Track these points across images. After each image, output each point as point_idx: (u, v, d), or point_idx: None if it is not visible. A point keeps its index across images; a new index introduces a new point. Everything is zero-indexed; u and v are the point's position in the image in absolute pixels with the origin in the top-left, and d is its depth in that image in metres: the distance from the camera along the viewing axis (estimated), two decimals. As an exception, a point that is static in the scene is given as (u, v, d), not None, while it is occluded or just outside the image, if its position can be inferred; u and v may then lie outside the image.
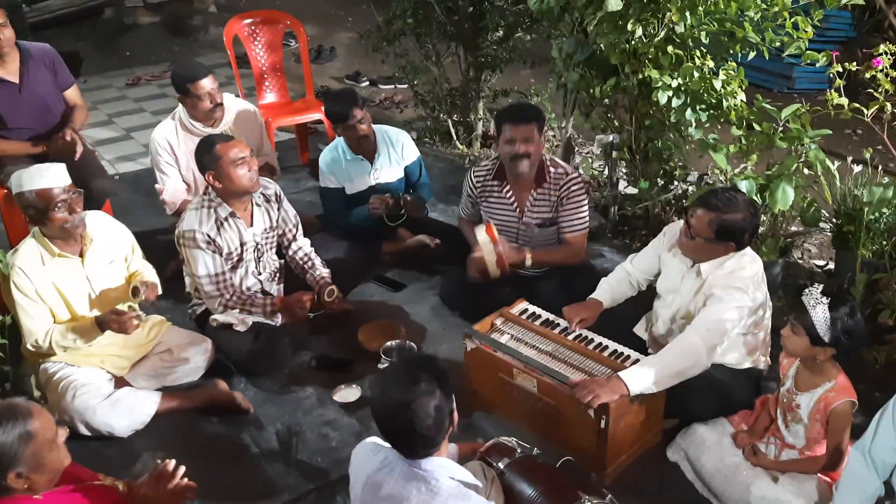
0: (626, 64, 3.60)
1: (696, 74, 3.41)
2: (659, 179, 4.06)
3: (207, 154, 3.10)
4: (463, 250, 3.85)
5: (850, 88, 3.20)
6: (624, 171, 4.33)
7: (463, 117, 5.47)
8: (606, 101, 3.93)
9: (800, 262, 3.92)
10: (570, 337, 2.84)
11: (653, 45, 3.50)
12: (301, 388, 3.17)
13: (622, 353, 2.74)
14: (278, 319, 3.31)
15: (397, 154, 3.91)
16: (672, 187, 4.09)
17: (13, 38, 3.73)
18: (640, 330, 3.06)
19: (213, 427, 2.98)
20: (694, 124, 3.59)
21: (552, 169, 3.36)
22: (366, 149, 3.81)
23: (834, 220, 3.51)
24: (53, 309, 2.85)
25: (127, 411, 2.87)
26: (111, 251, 3.01)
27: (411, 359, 2.54)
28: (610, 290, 3.01)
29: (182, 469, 2.11)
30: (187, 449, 2.82)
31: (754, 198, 3.14)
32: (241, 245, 3.23)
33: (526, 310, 3.03)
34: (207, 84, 3.66)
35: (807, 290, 2.35)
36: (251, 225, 3.26)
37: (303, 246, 3.49)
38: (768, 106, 3.38)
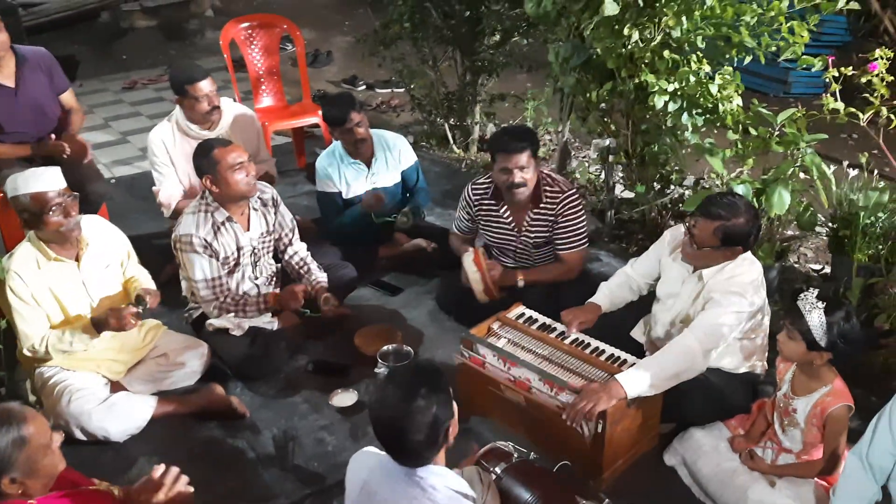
0: (623, 68, 3.60)
1: (693, 79, 3.42)
2: (655, 184, 4.07)
3: (205, 158, 3.10)
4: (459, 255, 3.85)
5: (845, 93, 3.20)
6: (620, 175, 4.33)
7: (460, 121, 5.47)
8: (603, 105, 3.94)
9: (796, 266, 3.93)
10: (567, 341, 2.84)
11: (649, 49, 3.50)
12: (297, 392, 3.16)
13: (619, 358, 2.74)
14: (275, 324, 3.30)
15: (394, 158, 3.91)
16: (668, 191, 4.10)
17: (8, 42, 3.72)
18: (637, 334, 3.06)
19: (209, 432, 2.97)
20: (690, 128, 3.59)
21: (549, 187, 3.35)
22: (363, 153, 3.81)
23: (830, 224, 3.52)
24: (49, 313, 2.84)
25: (122, 416, 2.86)
26: (107, 255, 3.00)
27: (412, 367, 2.51)
28: (609, 294, 3.01)
29: (185, 478, 2.10)
30: (183, 454, 2.80)
31: (755, 204, 3.14)
32: (238, 249, 3.22)
33: (523, 314, 3.02)
34: (206, 86, 3.66)
35: (802, 295, 2.35)
36: (248, 229, 3.25)
37: (299, 250, 3.48)
38: (764, 110, 3.39)
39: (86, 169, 3.88)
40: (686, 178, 4.18)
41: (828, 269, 3.75)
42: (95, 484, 2.18)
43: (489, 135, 5.68)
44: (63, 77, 3.97)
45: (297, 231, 3.49)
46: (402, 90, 6.28)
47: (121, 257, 3.07)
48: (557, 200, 3.33)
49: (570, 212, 3.33)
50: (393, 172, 3.92)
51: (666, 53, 3.47)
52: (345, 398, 3.07)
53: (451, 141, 5.46)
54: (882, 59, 3.10)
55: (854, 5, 3.26)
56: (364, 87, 6.95)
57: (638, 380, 2.49)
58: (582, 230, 3.38)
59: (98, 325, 2.83)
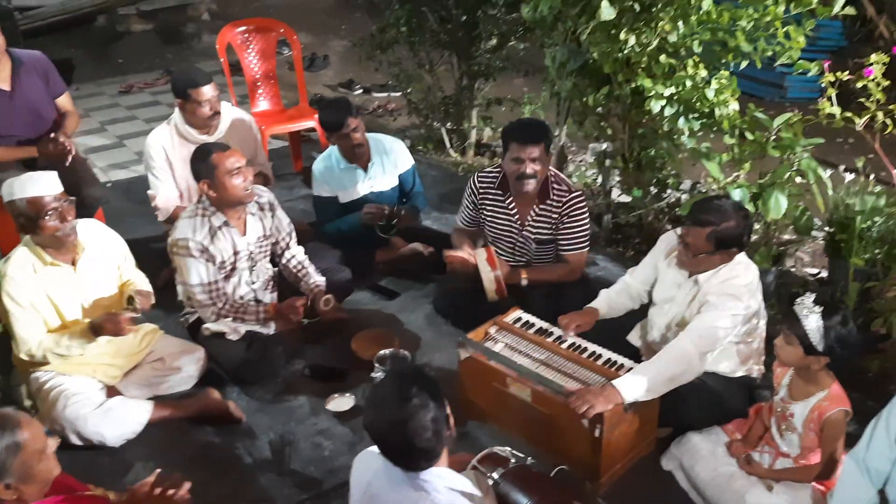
0: (620, 73, 3.61)
1: (689, 83, 3.43)
2: (652, 188, 4.07)
3: (203, 163, 3.09)
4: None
5: (841, 97, 3.21)
6: (617, 179, 4.34)
7: (456, 125, 5.47)
8: (599, 109, 3.94)
9: (793, 270, 3.93)
10: (564, 345, 2.84)
11: (646, 54, 3.51)
12: (294, 397, 3.15)
13: (616, 362, 2.74)
14: (271, 328, 3.29)
15: (391, 162, 3.91)
16: (665, 196, 4.10)
17: (4, 46, 3.71)
18: (633, 338, 3.06)
19: (206, 436, 2.96)
20: (687, 133, 3.60)
21: (556, 186, 3.35)
22: (360, 157, 3.81)
23: (826, 228, 3.52)
24: (45, 318, 2.83)
25: (119, 420, 2.85)
26: (103, 259, 2.99)
27: (398, 373, 2.46)
28: (607, 300, 3.01)
29: (187, 484, 2.09)
30: (179, 459, 2.81)
31: (743, 203, 3.14)
32: (235, 254, 3.21)
33: (520, 318, 3.02)
34: (209, 91, 3.66)
35: (799, 300, 2.35)
36: (245, 233, 3.24)
37: (296, 254, 3.48)
38: (761, 115, 3.40)
39: (82, 173, 3.87)
40: (683, 182, 4.19)
41: (824, 274, 3.76)
42: (91, 489, 2.18)
43: (486, 139, 5.69)
44: (59, 81, 3.96)
45: (294, 235, 3.48)
46: (398, 94, 6.29)
47: (117, 261, 3.07)
48: (564, 199, 3.33)
49: (575, 212, 3.34)
50: (390, 177, 3.92)
51: (662, 58, 3.48)
52: (342, 403, 3.06)
53: (448, 145, 5.46)
54: (878, 63, 3.11)
55: (850, 10, 3.28)
56: (361, 90, 6.95)
57: (634, 384, 2.50)
58: (586, 231, 3.39)
59: (95, 329, 2.82)
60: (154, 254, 3.84)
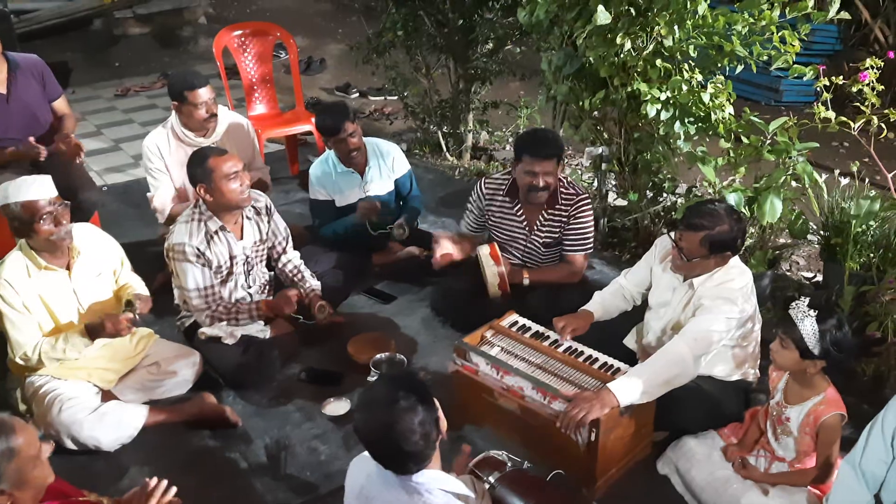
0: (615, 77, 3.62)
1: (685, 87, 3.43)
2: (648, 192, 4.08)
3: (200, 167, 3.09)
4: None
5: (836, 102, 3.22)
6: (613, 183, 4.35)
7: (453, 129, 5.48)
8: (596, 113, 3.95)
9: (788, 274, 3.94)
10: (561, 349, 2.84)
11: (641, 58, 3.52)
12: (290, 401, 3.14)
13: (612, 366, 2.74)
14: (267, 332, 3.29)
15: (388, 167, 3.91)
16: (661, 199, 4.11)
17: (0, 49, 3.71)
18: (629, 341, 3.06)
19: (201, 441, 2.95)
20: (682, 137, 3.60)
21: (564, 190, 3.37)
22: (357, 162, 3.81)
23: (822, 232, 3.53)
24: (40, 322, 2.82)
25: (114, 425, 2.84)
26: (99, 264, 2.99)
27: (387, 377, 2.47)
28: (602, 303, 3.02)
29: (174, 489, 2.08)
30: (175, 463, 2.80)
31: (734, 206, 3.15)
32: (231, 258, 3.21)
33: (516, 322, 3.02)
34: (205, 94, 3.66)
35: (794, 304, 2.35)
36: (241, 238, 3.24)
37: (292, 258, 3.47)
38: (756, 119, 3.40)
39: (78, 176, 3.87)
40: (678, 186, 4.19)
41: (820, 277, 3.77)
42: (85, 495, 2.17)
43: (482, 142, 5.70)
44: (56, 84, 3.95)
45: (290, 239, 3.48)
46: (395, 98, 6.29)
47: (113, 266, 3.06)
48: (572, 203, 3.36)
49: (582, 214, 3.37)
50: (386, 181, 3.92)
51: (658, 62, 3.48)
52: (338, 407, 3.06)
53: (445, 149, 5.46)
54: (872, 68, 3.12)
55: (845, 15, 3.29)
56: (357, 94, 6.96)
57: (630, 388, 2.49)
58: (591, 234, 3.42)
59: (93, 331, 2.81)
60: (150, 257, 3.83)
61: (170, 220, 3.66)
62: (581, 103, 3.83)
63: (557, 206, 3.37)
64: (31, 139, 3.65)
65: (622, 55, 3.50)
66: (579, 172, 4.97)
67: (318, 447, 2.90)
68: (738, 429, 2.69)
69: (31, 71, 3.83)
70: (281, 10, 9.62)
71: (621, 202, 4.30)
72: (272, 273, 3.50)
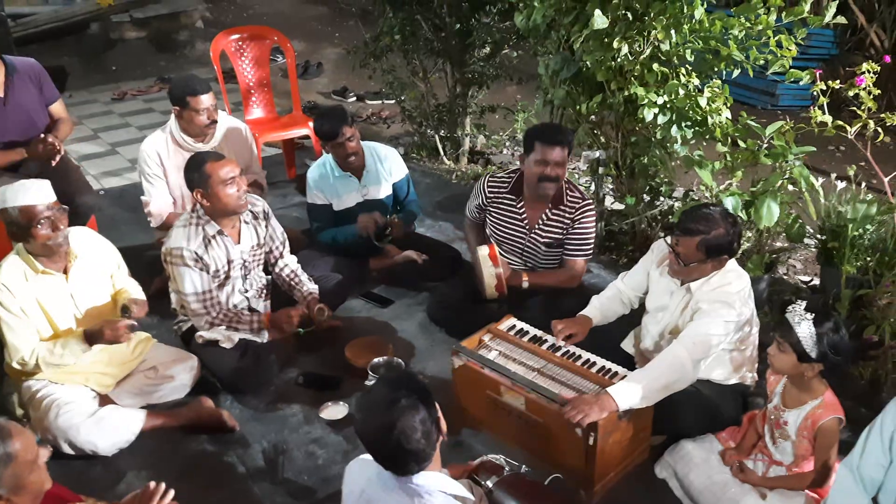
0: (612, 81, 3.62)
1: (682, 92, 3.45)
2: (645, 195, 4.08)
3: (196, 172, 3.08)
4: (451, 266, 3.84)
5: (833, 106, 3.23)
6: (610, 187, 4.35)
7: (450, 133, 5.48)
8: (593, 117, 3.96)
9: (785, 277, 3.94)
10: (559, 353, 2.84)
11: (638, 62, 3.53)
12: (287, 405, 3.14)
13: (610, 370, 2.74)
14: (265, 336, 3.28)
15: (385, 171, 3.91)
16: (658, 203, 4.12)
17: (-3, 53, 3.71)
18: (627, 345, 3.07)
19: (199, 445, 2.94)
20: (679, 141, 3.61)
21: (570, 192, 3.37)
22: (354, 166, 3.81)
23: (819, 236, 3.54)
24: (37, 326, 2.81)
25: (111, 430, 2.84)
26: (96, 268, 2.98)
27: (387, 378, 2.49)
28: (600, 307, 3.02)
29: (171, 492, 2.08)
30: (172, 468, 2.79)
31: (730, 210, 3.16)
32: (229, 262, 3.21)
33: (514, 326, 3.02)
34: (207, 100, 3.66)
35: (791, 307, 2.36)
36: (239, 242, 3.24)
37: (289, 263, 3.47)
38: (753, 123, 3.42)
39: (75, 181, 3.86)
40: (675, 190, 4.20)
41: (817, 281, 3.77)
42: (83, 500, 2.17)
43: (479, 146, 5.71)
44: (52, 88, 3.95)
45: (287, 243, 3.48)
46: (392, 102, 6.30)
47: (110, 270, 3.05)
48: (577, 207, 3.36)
49: (586, 219, 3.37)
50: (384, 185, 3.92)
51: (655, 66, 3.49)
52: (335, 411, 3.06)
53: (442, 152, 5.47)
54: (869, 72, 3.13)
55: (841, 19, 3.30)
56: (354, 98, 6.96)
57: (629, 392, 2.50)
58: (592, 239, 3.42)
59: (91, 337, 2.81)
60: (147, 261, 3.82)
61: (164, 226, 3.64)
62: (578, 107, 3.84)
63: (562, 207, 3.36)
64: (45, 137, 3.66)
65: (619, 59, 3.51)
66: (576, 176, 4.97)
67: (315, 451, 2.90)
68: (736, 433, 2.70)
69: (29, 75, 3.82)
70: (278, 14, 9.63)
71: (618, 206, 4.31)
72: (269, 277, 3.49)
